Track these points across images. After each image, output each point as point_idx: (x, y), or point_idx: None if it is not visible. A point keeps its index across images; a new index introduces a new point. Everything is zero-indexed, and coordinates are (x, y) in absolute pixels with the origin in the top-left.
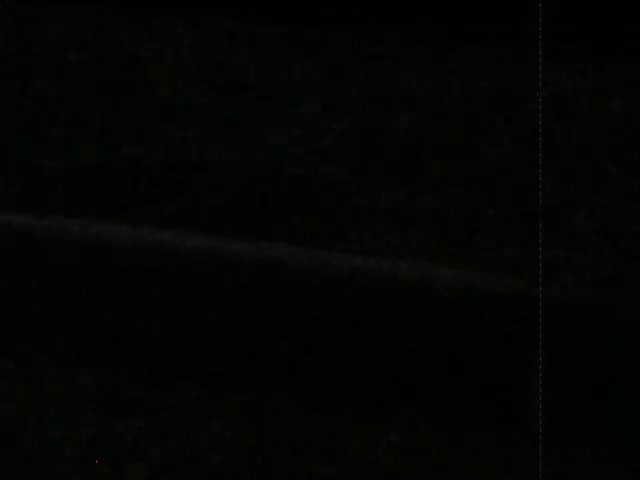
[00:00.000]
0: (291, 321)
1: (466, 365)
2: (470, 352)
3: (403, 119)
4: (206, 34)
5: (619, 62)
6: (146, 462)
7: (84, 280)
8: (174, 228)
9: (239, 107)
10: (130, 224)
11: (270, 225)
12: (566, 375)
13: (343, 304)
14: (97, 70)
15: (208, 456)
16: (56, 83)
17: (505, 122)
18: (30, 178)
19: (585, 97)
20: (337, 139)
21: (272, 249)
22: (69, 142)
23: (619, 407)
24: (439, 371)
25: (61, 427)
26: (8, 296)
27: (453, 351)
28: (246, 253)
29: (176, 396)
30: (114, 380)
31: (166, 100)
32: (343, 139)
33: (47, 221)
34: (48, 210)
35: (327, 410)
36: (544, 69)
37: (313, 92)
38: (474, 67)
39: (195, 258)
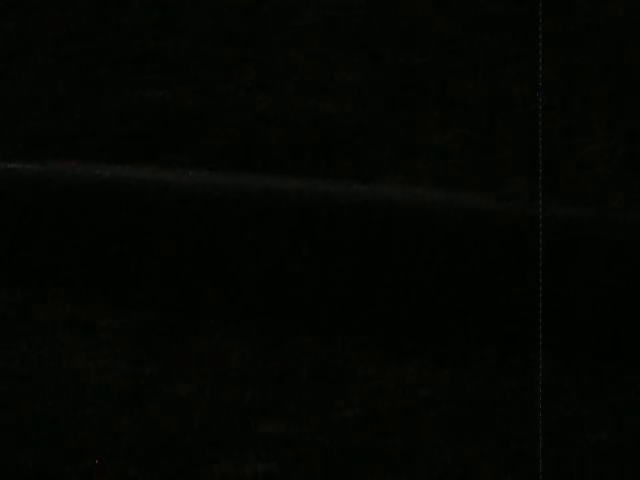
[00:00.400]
0: (292, 250)
1: (468, 290)
2: (471, 278)
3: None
4: None
5: None
6: (159, 404)
7: (97, 223)
8: (192, 167)
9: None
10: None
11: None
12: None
13: (341, 232)
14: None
15: (218, 394)
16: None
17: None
18: (42, 123)
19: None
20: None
21: (274, 180)
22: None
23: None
24: (443, 302)
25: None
26: (26, 240)
27: (454, 277)
28: (252, 186)
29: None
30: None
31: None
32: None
33: (55, 165)
34: (58, 154)
35: (328, 352)
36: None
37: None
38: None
39: (203, 193)
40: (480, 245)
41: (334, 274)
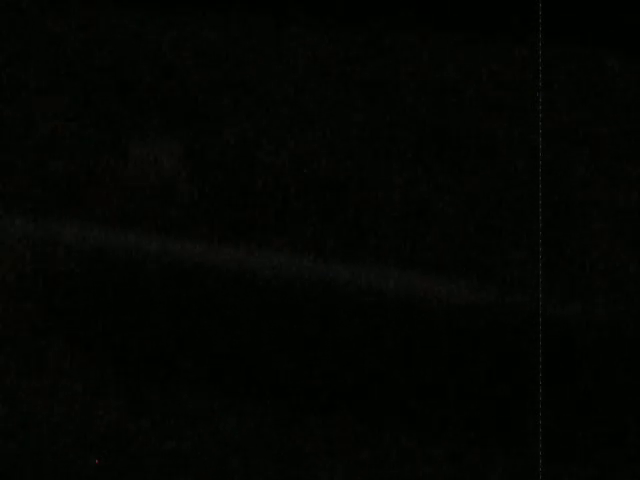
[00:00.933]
0: (280, 331)
1: (465, 380)
2: (469, 367)
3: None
4: None
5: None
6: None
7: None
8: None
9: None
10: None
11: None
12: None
13: (330, 316)
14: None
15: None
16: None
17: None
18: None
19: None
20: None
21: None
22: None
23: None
24: (435, 387)
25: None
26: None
27: (450, 366)
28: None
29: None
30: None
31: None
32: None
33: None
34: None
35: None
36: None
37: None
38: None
39: (178, 261)
40: (477, 336)
41: (326, 355)
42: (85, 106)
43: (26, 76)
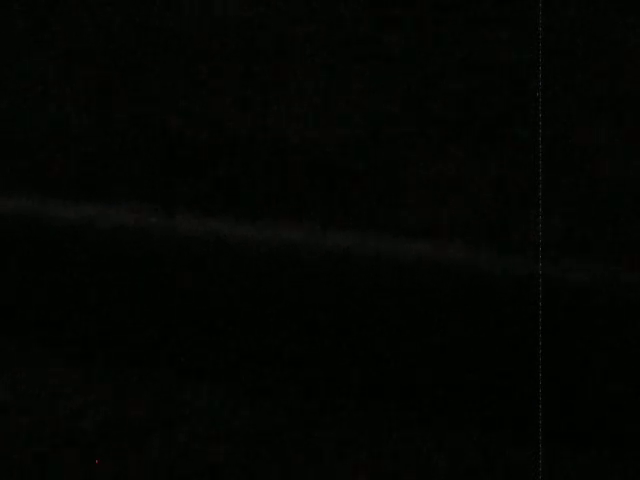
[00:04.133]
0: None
1: (464, 349)
2: (469, 337)
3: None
4: None
5: None
6: (146, 451)
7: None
8: (189, 211)
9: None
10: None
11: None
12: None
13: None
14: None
15: (208, 446)
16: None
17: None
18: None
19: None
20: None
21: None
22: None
23: (618, 400)
24: (437, 359)
25: (63, 413)
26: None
27: (450, 334)
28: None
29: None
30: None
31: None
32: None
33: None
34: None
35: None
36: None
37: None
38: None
39: (200, 242)
40: (477, 301)
41: (324, 332)
42: None
43: None
